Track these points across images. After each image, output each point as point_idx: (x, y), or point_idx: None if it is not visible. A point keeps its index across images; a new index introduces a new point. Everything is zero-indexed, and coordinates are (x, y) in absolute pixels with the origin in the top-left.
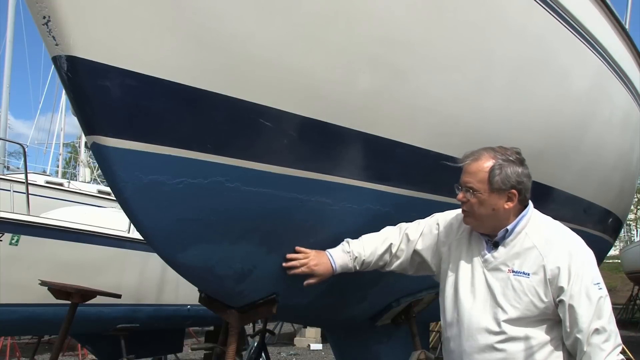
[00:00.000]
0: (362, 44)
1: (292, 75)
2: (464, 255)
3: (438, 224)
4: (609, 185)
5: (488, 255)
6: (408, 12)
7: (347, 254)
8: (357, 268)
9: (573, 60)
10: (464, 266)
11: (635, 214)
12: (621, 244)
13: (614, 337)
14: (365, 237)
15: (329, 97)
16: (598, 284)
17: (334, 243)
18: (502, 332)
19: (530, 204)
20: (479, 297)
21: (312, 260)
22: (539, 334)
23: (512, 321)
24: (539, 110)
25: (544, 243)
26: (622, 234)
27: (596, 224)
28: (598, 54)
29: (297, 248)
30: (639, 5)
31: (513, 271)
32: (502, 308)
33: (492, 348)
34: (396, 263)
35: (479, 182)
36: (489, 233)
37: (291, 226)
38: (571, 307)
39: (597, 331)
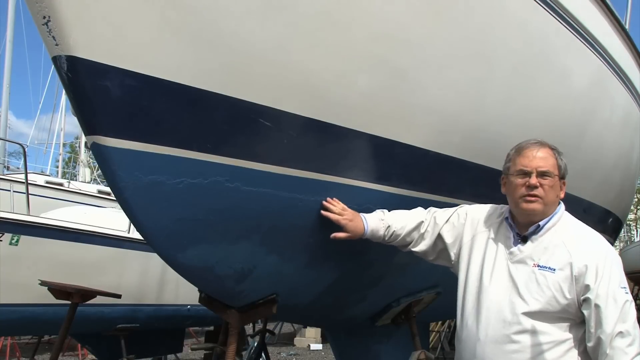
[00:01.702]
0: (362, 43)
1: (292, 75)
2: (489, 247)
3: (466, 214)
4: (609, 185)
5: (514, 249)
6: (408, 12)
7: (381, 221)
8: (387, 238)
9: (573, 60)
10: (488, 257)
11: (635, 214)
12: (621, 244)
13: (638, 342)
14: (398, 211)
15: (329, 97)
16: (625, 288)
17: (335, 242)
18: (520, 324)
19: (562, 203)
20: (501, 287)
21: (348, 215)
22: (555, 332)
23: (531, 314)
24: (539, 110)
25: (573, 241)
26: (622, 234)
27: (596, 224)
28: (598, 54)
29: (335, 199)
30: (639, 5)
31: (538, 265)
32: (523, 300)
33: (507, 338)
34: (421, 244)
35: (552, 167)
36: (532, 223)
37: (291, 226)
38: (597, 307)
39: (621, 334)
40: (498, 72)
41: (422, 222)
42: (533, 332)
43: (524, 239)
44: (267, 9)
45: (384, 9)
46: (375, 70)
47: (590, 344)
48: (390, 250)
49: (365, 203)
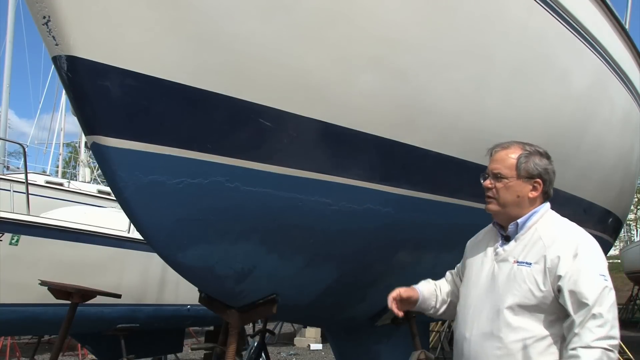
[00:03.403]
0: (363, 44)
1: (292, 75)
2: (481, 253)
3: (468, 241)
4: (609, 185)
5: (499, 249)
6: (408, 12)
7: (429, 283)
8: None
9: (573, 60)
10: (478, 261)
11: (635, 214)
12: (621, 244)
13: (610, 327)
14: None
15: (329, 97)
16: (604, 276)
17: (335, 242)
18: (500, 320)
19: (548, 203)
20: (485, 286)
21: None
22: (536, 328)
23: (510, 309)
24: (539, 110)
25: (550, 235)
26: (622, 234)
27: (596, 224)
28: (598, 54)
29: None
30: (639, 5)
31: (517, 262)
32: (502, 295)
33: (489, 335)
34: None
35: (506, 168)
36: (507, 223)
37: (291, 226)
38: (572, 292)
39: (593, 316)
40: (498, 73)
41: (451, 271)
42: (513, 328)
43: (507, 239)
44: (267, 10)
45: (384, 11)
46: (375, 71)
47: (565, 325)
48: (389, 251)
49: (365, 203)
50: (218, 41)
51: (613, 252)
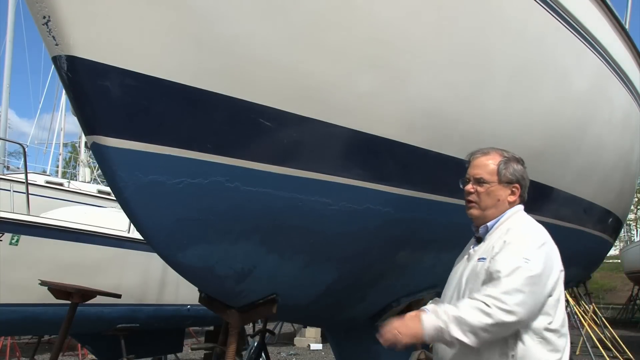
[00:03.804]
0: (362, 45)
1: (292, 76)
2: (462, 257)
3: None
4: (609, 185)
5: (471, 250)
6: (408, 13)
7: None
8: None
9: (573, 61)
10: (457, 265)
11: (635, 214)
12: (621, 244)
13: (505, 292)
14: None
15: (329, 97)
16: (526, 259)
17: (334, 242)
18: None
19: (521, 206)
20: (455, 286)
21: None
22: None
23: None
24: (539, 111)
25: (505, 232)
26: (622, 234)
27: (596, 224)
28: (598, 54)
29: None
30: (639, 5)
31: (479, 258)
32: (465, 292)
33: None
34: None
35: (488, 174)
36: (480, 227)
37: (291, 226)
38: (488, 270)
39: (495, 283)
40: (498, 74)
41: None
42: None
43: (478, 240)
44: (267, 12)
45: (383, 12)
46: (374, 71)
47: None
48: (389, 251)
49: (365, 203)
50: (218, 41)
51: (613, 252)
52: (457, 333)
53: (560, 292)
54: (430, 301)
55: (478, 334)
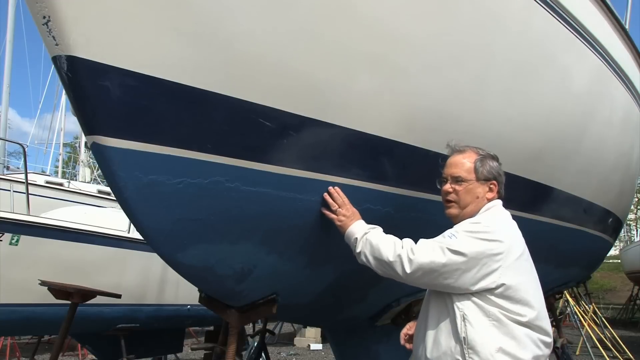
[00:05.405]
0: (363, 43)
1: (292, 75)
2: None
3: None
4: (609, 185)
5: None
6: (408, 12)
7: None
8: None
9: (573, 60)
10: None
11: (635, 214)
12: (621, 244)
13: (412, 253)
14: None
15: (329, 97)
16: (455, 235)
17: (335, 242)
18: (425, 312)
19: (499, 201)
20: None
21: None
22: (451, 310)
23: (428, 300)
24: (539, 110)
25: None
26: (622, 234)
27: (596, 224)
28: (598, 54)
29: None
30: (639, 5)
31: None
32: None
33: (421, 325)
34: None
35: (466, 172)
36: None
37: (291, 226)
38: None
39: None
40: (498, 73)
41: None
42: (431, 315)
43: None
44: (267, 10)
45: (383, 10)
46: (374, 70)
47: None
48: None
49: (365, 203)
50: (218, 40)
51: (613, 252)
52: (363, 252)
53: (508, 286)
54: None
55: (375, 262)
